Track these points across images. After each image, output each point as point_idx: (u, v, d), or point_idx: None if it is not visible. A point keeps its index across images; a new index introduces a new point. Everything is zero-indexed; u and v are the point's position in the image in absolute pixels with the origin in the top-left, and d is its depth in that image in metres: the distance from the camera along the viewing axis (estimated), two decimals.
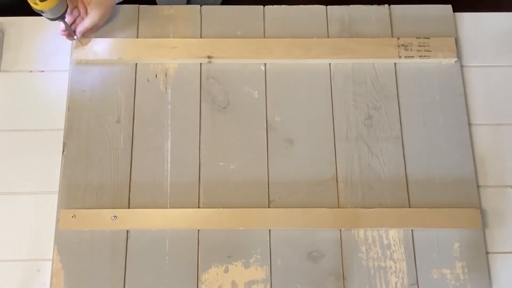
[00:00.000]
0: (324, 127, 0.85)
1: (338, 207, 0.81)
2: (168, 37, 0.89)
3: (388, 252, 0.79)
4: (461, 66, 0.89)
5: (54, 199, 0.81)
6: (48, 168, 0.83)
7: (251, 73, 0.88)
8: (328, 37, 0.90)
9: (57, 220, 0.79)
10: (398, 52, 0.87)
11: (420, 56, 0.87)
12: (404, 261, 0.79)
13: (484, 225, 0.81)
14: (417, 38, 0.88)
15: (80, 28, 0.84)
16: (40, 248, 0.80)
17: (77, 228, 0.79)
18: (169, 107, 0.86)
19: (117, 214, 0.79)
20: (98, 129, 0.84)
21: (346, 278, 0.78)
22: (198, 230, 0.80)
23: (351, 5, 0.92)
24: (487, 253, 0.80)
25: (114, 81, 0.87)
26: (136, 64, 0.88)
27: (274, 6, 0.92)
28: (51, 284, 0.77)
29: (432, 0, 0.96)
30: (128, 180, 0.82)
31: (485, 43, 0.91)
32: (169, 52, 0.87)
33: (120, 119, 0.85)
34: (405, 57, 0.87)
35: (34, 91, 0.87)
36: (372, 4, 0.92)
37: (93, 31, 0.87)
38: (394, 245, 0.79)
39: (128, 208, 0.80)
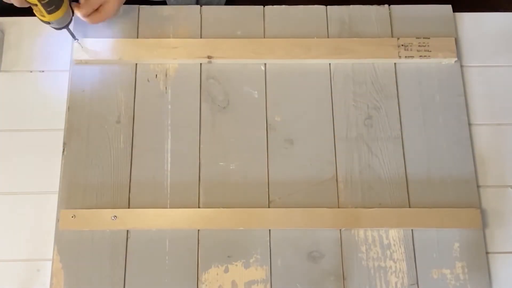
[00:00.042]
0: (324, 127, 0.85)
1: (338, 207, 0.81)
2: (168, 37, 0.89)
3: (388, 252, 0.79)
4: (461, 66, 0.89)
5: (54, 199, 0.81)
6: (48, 168, 0.83)
7: (251, 73, 0.88)
8: (328, 37, 0.90)
9: (57, 220, 0.79)
10: (398, 52, 0.87)
11: (420, 56, 0.87)
12: (404, 261, 0.79)
13: (484, 225, 0.81)
14: (417, 38, 0.88)
15: (95, 21, 0.83)
16: (40, 248, 0.80)
17: (77, 228, 0.79)
18: (169, 107, 0.86)
19: (117, 214, 0.79)
20: (98, 129, 0.84)
21: (346, 278, 0.78)
22: (198, 230, 0.80)
23: (351, 5, 0.92)
24: (487, 253, 0.80)
25: (114, 81, 0.87)
26: (136, 64, 0.88)
27: (274, 6, 0.92)
28: (51, 284, 0.77)
29: (432, 0, 0.96)
30: (128, 180, 0.82)
31: (485, 43, 0.91)
32: (169, 52, 0.87)
33: (120, 119, 0.85)
34: (405, 57, 0.87)
35: (34, 91, 0.87)
36: (372, 4, 0.92)
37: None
38: (394, 245, 0.80)
39: (128, 208, 0.80)
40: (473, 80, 0.89)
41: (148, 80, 0.87)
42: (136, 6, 0.91)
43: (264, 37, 0.90)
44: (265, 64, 0.88)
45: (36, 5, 0.73)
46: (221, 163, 0.83)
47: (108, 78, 0.87)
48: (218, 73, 0.88)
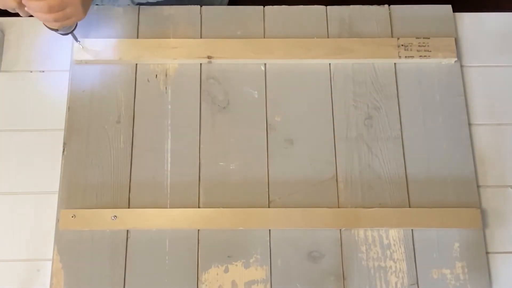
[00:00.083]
0: (324, 127, 0.85)
1: (338, 207, 0.81)
2: (168, 37, 0.89)
3: (388, 252, 0.79)
4: (461, 66, 0.89)
5: (54, 199, 0.81)
6: (48, 168, 0.83)
7: (251, 73, 0.88)
8: (328, 37, 0.90)
9: (57, 220, 0.79)
10: (398, 52, 0.87)
11: (420, 56, 0.87)
12: (404, 261, 0.79)
13: (484, 225, 0.81)
14: (417, 38, 0.88)
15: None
16: (40, 248, 0.80)
17: (77, 228, 0.79)
18: (169, 107, 0.86)
19: (117, 214, 0.79)
20: (98, 129, 0.84)
21: (346, 278, 0.78)
22: (198, 230, 0.80)
23: (351, 5, 0.92)
24: (487, 253, 0.80)
25: (114, 81, 0.87)
26: (136, 64, 0.88)
27: (274, 6, 0.92)
28: (51, 284, 0.77)
29: (432, 0, 0.96)
30: (128, 180, 0.82)
31: (485, 43, 0.91)
32: (169, 52, 0.87)
33: (120, 119, 0.85)
34: (405, 57, 0.87)
35: (34, 91, 0.87)
36: (372, 4, 0.92)
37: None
38: (394, 245, 0.79)
39: (128, 208, 0.80)
40: (473, 80, 0.89)
41: (148, 80, 0.87)
42: (136, 6, 0.91)
43: (264, 37, 0.90)
44: (265, 64, 0.88)
45: None
46: (221, 163, 0.83)
47: (108, 78, 0.87)
48: (218, 73, 0.88)
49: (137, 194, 0.81)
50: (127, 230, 0.79)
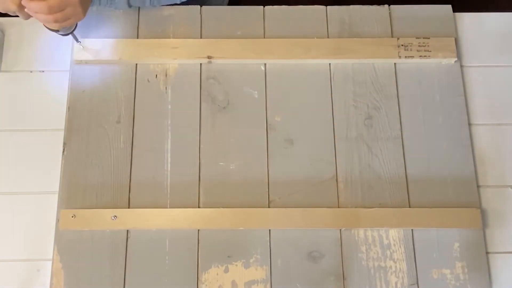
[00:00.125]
0: (324, 127, 0.85)
1: (338, 207, 0.81)
2: (168, 37, 0.89)
3: (388, 252, 0.79)
4: (461, 66, 0.89)
5: (54, 199, 0.81)
6: (48, 168, 0.83)
7: (251, 73, 0.88)
8: (328, 37, 0.90)
9: (57, 220, 0.79)
10: (398, 52, 0.87)
11: (420, 56, 0.87)
12: (404, 261, 0.79)
13: (484, 225, 0.81)
14: (417, 38, 0.88)
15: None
16: (40, 248, 0.80)
17: (77, 228, 0.79)
18: (169, 107, 0.86)
19: (117, 214, 0.79)
20: (98, 129, 0.84)
21: (346, 278, 0.78)
22: (198, 230, 0.80)
23: (351, 5, 0.92)
24: (487, 253, 0.80)
25: (114, 81, 0.87)
26: (136, 64, 0.88)
27: (274, 6, 0.92)
28: (51, 284, 0.77)
29: (432, 0, 0.96)
30: (128, 180, 0.82)
31: (485, 43, 0.91)
32: (169, 52, 0.87)
33: (120, 119, 0.85)
34: (405, 57, 0.87)
35: (34, 91, 0.87)
36: (372, 4, 0.92)
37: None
38: (394, 245, 0.79)
39: (128, 208, 0.80)
40: (473, 80, 0.89)
41: (148, 80, 0.87)
42: (136, 6, 0.91)
43: (264, 37, 0.90)
44: (265, 64, 0.88)
45: None
46: (221, 163, 0.83)
47: (108, 78, 0.87)
48: (218, 73, 0.88)
49: (137, 194, 0.81)
50: (127, 230, 0.79)
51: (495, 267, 0.80)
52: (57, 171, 0.82)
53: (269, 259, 0.79)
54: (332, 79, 0.88)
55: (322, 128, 0.85)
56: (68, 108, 0.85)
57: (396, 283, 0.78)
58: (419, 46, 0.88)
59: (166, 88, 0.87)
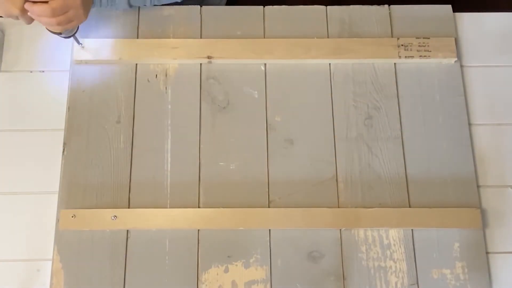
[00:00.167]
0: (324, 127, 0.85)
1: (338, 207, 0.81)
2: (168, 37, 0.89)
3: (388, 252, 0.79)
4: (461, 66, 0.89)
5: (54, 199, 0.81)
6: (48, 168, 0.83)
7: (251, 73, 0.88)
8: (328, 37, 0.90)
9: (57, 220, 0.79)
10: (398, 52, 0.87)
11: (420, 56, 0.87)
12: (404, 261, 0.79)
13: (484, 225, 0.81)
14: (417, 38, 0.88)
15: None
16: (40, 248, 0.80)
17: (77, 228, 0.79)
18: (169, 107, 0.86)
19: (117, 214, 0.79)
20: (98, 129, 0.84)
21: (346, 278, 0.78)
22: (198, 230, 0.80)
23: (351, 5, 0.92)
24: (487, 253, 0.80)
25: (114, 81, 0.87)
26: (136, 64, 0.88)
27: (274, 6, 0.92)
28: (51, 284, 0.77)
29: (432, 0, 0.96)
30: (128, 180, 0.82)
31: (485, 43, 0.91)
32: (169, 52, 0.87)
33: (120, 119, 0.85)
34: (405, 57, 0.87)
35: (34, 91, 0.87)
36: (372, 4, 0.92)
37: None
38: (394, 245, 0.79)
39: (128, 208, 0.80)
40: (473, 80, 0.89)
41: (148, 80, 0.87)
42: (136, 6, 0.91)
43: (264, 37, 0.90)
44: (265, 64, 0.88)
45: None
46: (221, 163, 0.83)
47: (108, 78, 0.87)
48: (218, 73, 0.88)
49: (137, 194, 0.81)
50: (127, 230, 0.79)
51: (495, 267, 0.80)
52: (57, 171, 0.82)
53: (269, 259, 0.79)
54: (332, 79, 0.88)
55: (322, 128, 0.85)
56: (68, 108, 0.85)
57: (396, 283, 0.78)
58: (419, 46, 0.88)
59: (166, 88, 0.87)
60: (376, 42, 0.88)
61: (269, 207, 0.81)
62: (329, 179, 0.82)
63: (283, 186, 0.82)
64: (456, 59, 0.88)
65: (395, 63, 0.88)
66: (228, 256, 0.79)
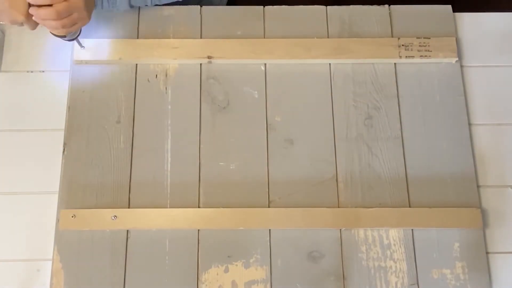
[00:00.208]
0: (324, 127, 0.85)
1: (338, 207, 0.81)
2: (168, 37, 0.89)
3: (388, 252, 0.79)
4: (461, 66, 0.89)
5: (54, 199, 0.81)
6: (48, 168, 0.83)
7: (251, 73, 0.88)
8: (328, 37, 0.90)
9: (57, 220, 0.79)
10: (399, 52, 0.87)
11: (421, 56, 0.87)
12: (404, 261, 0.79)
13: (484, 225, 0.81)
14: (417, 38, 0.88)
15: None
16: (40, 248, 0.80)
17: (77, 228, 0.79)
18: (169, 107, 0.86)
19: (117, 214, 0.79)
20: (98, 129, 0.84)
21: (346, 278, 0.78)
22: (198, 230, 0.80)
23: (351, 5, 0.92)
24: (487, 253, 0.80)
25: (114, 81, 0.87)
26: (136, 64, 0.88)
27: (274, 6, 0.92)
28: (51, 284, 0.77)
29: (432, 0, 0.96)
30: (128, 180, 0.82)
31: (485, 43, 0.91)
32: (169, 52, 0.87)
33: (120, 119, 0.85)
34: (406, 57, 0.87)
35: (34, 91, 0.87)
36: (372, 4, 0.92)
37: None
38: (394, 245, 0.79)
39: (128, 208, 0.80)
40: (473, 80, 0.89)
41: (148, 80, 0.87)
42: (136, 6, 0.91)
43: (264, 37, 0.90)
44: (265, 64, 0.88)
45: None
46: (221, 163, 0.83)
47: (108, 78, 0.87)
48: (218, 73, 0.88)
49: (137, 194, 0.81)
50: (127, 230, 0.79)
51: (495, 267, 0.80)
52: (57, 171, 0.82)
53: (269, 259, 0.79)
54: (332, 79, 0.88)
55: (322, 128, 0.85)
56: (68, 108, 0.85)
57: (396, 283, 0.78)
58: (420, 46, 0.88)
59: (166, 88, 0.87)
60: (376, 42, 0.88)
61: (269, 207, 0.81)
62: (329, 179, 0.82)
63: (283, 186, 0.82)
64: (456, 59, 0.88)
65: (395, 63, 0.88)
66: (228, 256, 0.79)
